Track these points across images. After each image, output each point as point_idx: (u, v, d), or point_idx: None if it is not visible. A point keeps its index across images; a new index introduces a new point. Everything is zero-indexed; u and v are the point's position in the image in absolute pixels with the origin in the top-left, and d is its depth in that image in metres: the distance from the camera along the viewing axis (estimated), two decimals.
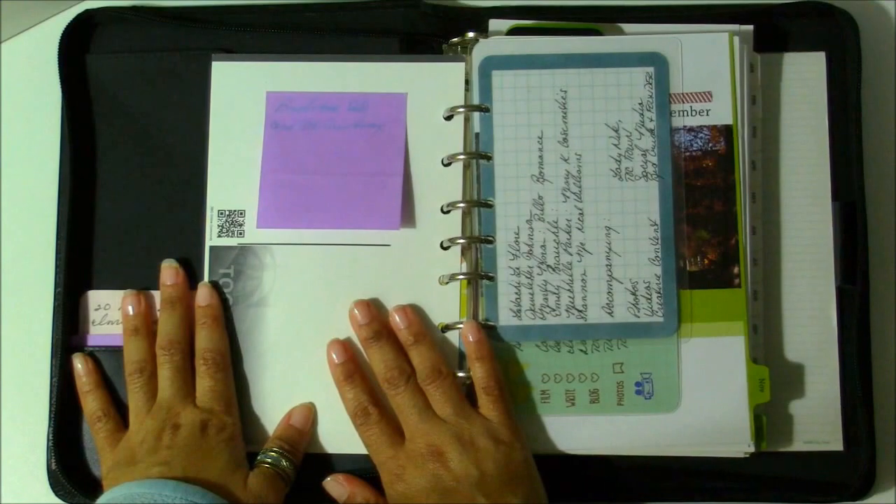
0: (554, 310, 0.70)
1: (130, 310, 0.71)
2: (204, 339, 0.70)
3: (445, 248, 0.72)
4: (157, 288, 0.73)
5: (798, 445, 0.72)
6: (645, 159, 0.70)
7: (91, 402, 0.71)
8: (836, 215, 0.73)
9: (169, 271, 0.72)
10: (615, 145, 0.70)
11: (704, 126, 0.71)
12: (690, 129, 0.71)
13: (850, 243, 0.73)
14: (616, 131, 0.70)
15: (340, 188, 0.72)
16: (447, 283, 0.71)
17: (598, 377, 0.70)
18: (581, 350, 0.70)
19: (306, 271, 0.72)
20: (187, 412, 0.68)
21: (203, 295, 0.71)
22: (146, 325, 0.71)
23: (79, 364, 0.71)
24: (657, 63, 0.71)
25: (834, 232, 0.73)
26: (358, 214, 0.72)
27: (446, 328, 0.71)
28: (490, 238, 0.71)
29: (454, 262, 0.71)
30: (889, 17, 0.78)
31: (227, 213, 0.72)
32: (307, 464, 0.71)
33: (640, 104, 0.70)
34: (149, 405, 0.69)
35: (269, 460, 0.68)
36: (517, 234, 0.70)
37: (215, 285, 0.72)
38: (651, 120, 0.70)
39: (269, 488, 0.67)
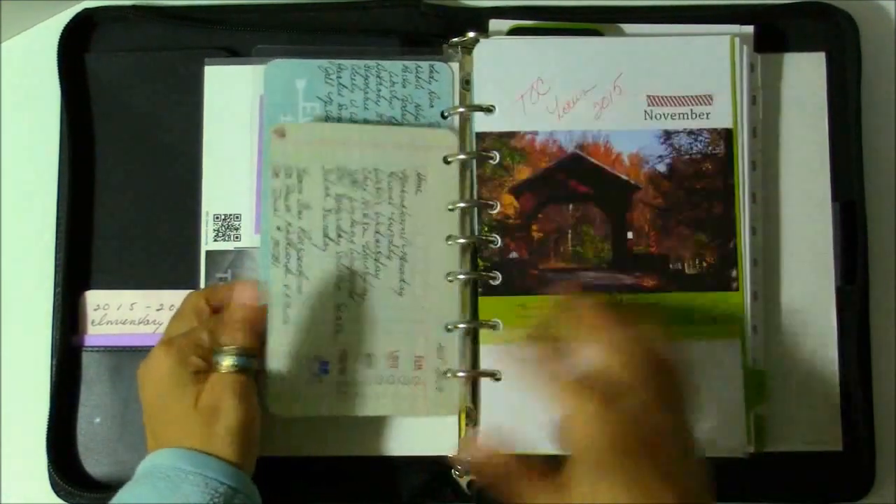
0: None
1: None
2: None
3: (448, 247, 0.72)
4: (156, 287, 0.73)
5: (798, 446, 0.72)
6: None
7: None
8: (836, 215, 0.73)
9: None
10: None
11: (704, 129, 0.71)
12: (690, 132, 0.71)
13: (850, 243, 0.73)
14: None
15: None
16: (451, 281, 0.71)
17: None
18: None
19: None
20: None
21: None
22: None
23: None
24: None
25: (834, 232, 0.73)
26: None
27: (450, 327, 0.71)
28: (493, 238, 0.71)
29: (456, 260, 0.71)
30: (889, 17, 0.78)
31: (222, 217, 0.72)
32: (297, 467, 0.71)
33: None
34: None
35: (226, 362, 0.65)
36: None
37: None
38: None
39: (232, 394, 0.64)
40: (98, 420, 0.73)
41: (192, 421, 0.62)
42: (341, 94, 0.72)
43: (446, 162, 0.72)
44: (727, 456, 0.70)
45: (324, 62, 0.72)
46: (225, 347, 0.65)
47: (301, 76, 0.72)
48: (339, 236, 0.71)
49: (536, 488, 0.58)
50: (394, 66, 0.73)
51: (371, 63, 0.73)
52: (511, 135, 0.72)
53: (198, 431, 0.62)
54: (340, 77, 0.72)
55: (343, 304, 0.70)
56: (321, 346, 0.70)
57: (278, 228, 0.70)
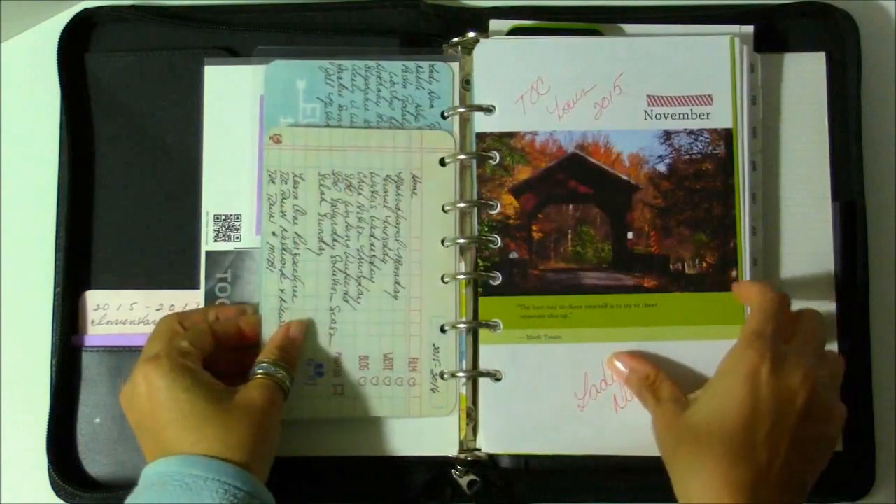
0: None
1: None
2: None
3: (446, 247, 0.72)
4: (156, 287, 0.73)
5: None
6: None
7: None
8: (836, 215, 0.74)
9: None
10: None
11: (704, 129, 0.71)
12: (690, 132, 0.71)
13: (850, 243, 0.73)
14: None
15: None
16: (447, 282, 0.71)
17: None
18: None
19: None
20: None
21: None
22: None
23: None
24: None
25: (834, 232, 0.73)
26: None
27: (445, 328, 0.71)
28: (493, 239, 0.71)
29: (452, 261, 0.71)
30: (889, 17, 0.78)
31: (222, 217, 0.73)
32: (302, 467, 0.71)
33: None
34: None
35: (261, 371, 0.67)
36: None
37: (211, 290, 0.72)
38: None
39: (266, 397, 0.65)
40: (98, 420, 0.73)
41: (207, 426, 0.62)
42: (342, 94, 0.72)
43: (442, 164, 0.72)
44: None
45: (324, 63, 0.72)
46: (259, 360, 0.67)
47: (301, 77, 0.72)
48: (334, 241, 0.71)
49: (662, 400, 0.67)
50: (394, 67, 0.73)
51: (371, 63, 0.73)
52: (511, 135, 0.72)
53: (213, 436, 0.62)
54: (341, 78, 0.72)
55: (337, 307, 0.71)
56: (316, 349, 0.70)
57: (273, 234, 0.70)
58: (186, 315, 0.69)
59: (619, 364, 0.70)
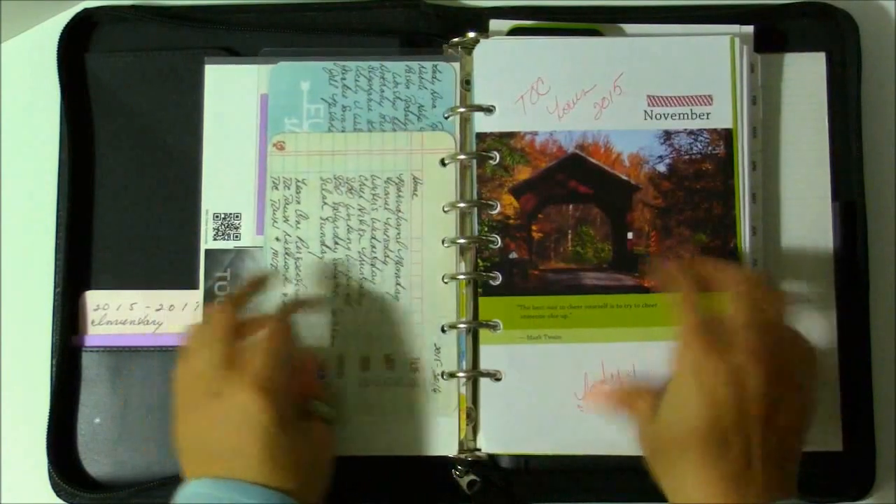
0: None
1: None
2: None
3: (446, 248, 0.72)
4: (156, 287, 0.73)
5: None
6: None
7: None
8: (836, 215, 0.73)
9: None
10: None
11: (704, 129, 0.71)
12: (690, 133, 0.71)
13: (850, 243, 0.73)
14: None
15: None
16: (447, 283, 0.71)
17: None
18: None
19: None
20: None
21: None
22: None
23: None
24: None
25: (834, 232, 0.73)
26: None
27: (448, 328, 0.71)
28: (493, 239, 0.71)
29: (453, 262, 0.71)
30: (889, 17, 0.78)
31: (222, 216, 0.73)
32: None
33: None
34: None
35: (320, 410, 0.67)
36: None
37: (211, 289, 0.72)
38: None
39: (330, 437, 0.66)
40: (98, 420, 0.73)
41: (283, 463, 0.61)
42: (345, 95, 0.72)
43: (443, 164, 0.72)
44: None
45: (328, 63, 0.73)
46: (313, 400, 0.67)
47: (306, 78, 0.73)
48: (336, 244, 0.71)
49: (636, 416, 0.65)
50: (397, 67, 0.73)
51: (375, 64, 0.73)
52: (511, 135, 0.72)
53: (284, 472, 0.60)
54: (345, 79, 0.72)
55: (339, 309, 0.71)
56: (318, 352, 0.70)
57: (277, 239, 0.71)
58: (285, 336, 0.65)
59: (598, 398, 0.69)
